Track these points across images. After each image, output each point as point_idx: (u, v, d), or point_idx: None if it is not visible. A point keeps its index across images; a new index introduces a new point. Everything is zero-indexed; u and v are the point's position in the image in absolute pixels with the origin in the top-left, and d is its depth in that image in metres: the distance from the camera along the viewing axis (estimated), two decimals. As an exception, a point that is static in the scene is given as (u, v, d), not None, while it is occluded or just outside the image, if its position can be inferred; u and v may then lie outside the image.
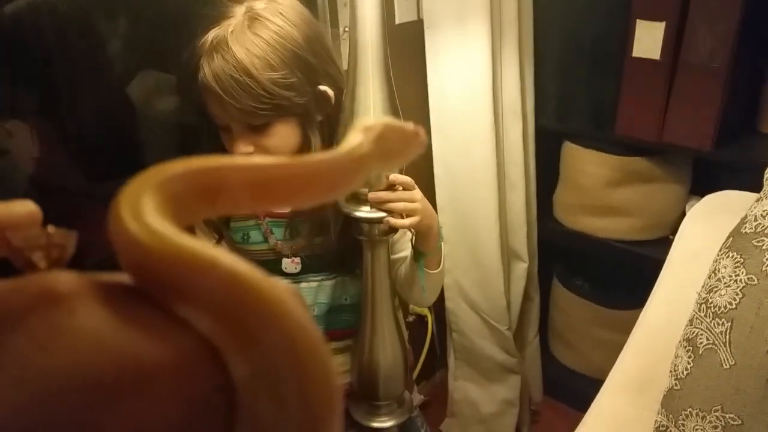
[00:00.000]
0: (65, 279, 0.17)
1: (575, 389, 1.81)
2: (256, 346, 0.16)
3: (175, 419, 0.16)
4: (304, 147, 0.89)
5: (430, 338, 1.74)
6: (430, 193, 1.48)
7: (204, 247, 0.17)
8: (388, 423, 1.03)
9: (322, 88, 0.87)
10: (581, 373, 1.85)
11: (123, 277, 0.18)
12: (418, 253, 0.96)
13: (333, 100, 0.89)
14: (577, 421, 1.03)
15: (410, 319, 1.73)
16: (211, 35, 0.81)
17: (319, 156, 0.26)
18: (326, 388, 0.16)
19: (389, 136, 0.31)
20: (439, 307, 1.68)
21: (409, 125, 0.35)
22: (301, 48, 0.83)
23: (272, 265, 0.95)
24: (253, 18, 0.81)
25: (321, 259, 0.95)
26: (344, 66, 1.30)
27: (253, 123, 0.83)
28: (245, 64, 0.78)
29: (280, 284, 0.17)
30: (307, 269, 0.96)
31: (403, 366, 1.00)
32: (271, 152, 0.84)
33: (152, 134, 1.19)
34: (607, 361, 1.63)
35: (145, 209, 0.18)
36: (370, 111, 0.85)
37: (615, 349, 1.14)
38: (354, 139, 0.29)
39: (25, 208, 0.20)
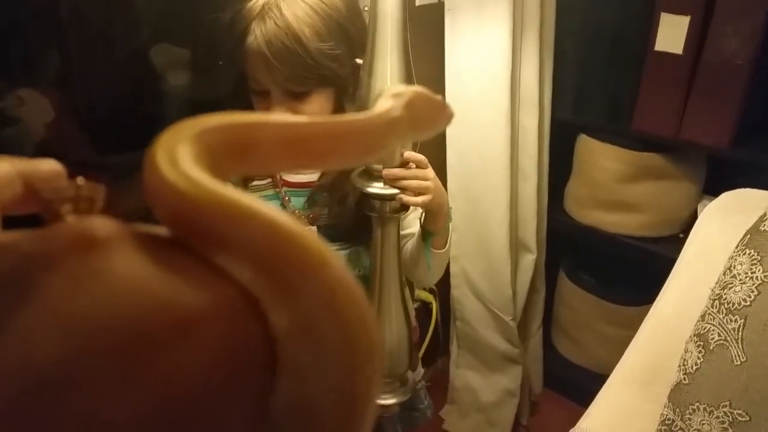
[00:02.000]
0: (103, 224, 0.17)
1: (576, 382, 1.81)
2: (296, 296, 0.16)
3: (215, 368, 0.15)
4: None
5: (434, 325, 1.74)
6: (442, 179, 1.45)
7: (243, 196, 0.17)
8: (389, 401, 1.03)
9: (359, 61, 0.87)
10: (582, 366, 1.85)
11: (160, 229, 0.18)
12: (426, 232, 0.96)
13: None
14: (576, 414, 1.03)
15: (415, 305, 1.73)
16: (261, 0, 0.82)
17: (351, 116, 0.26)
18: (366, 338, 0.16)
19: (419, 104, 0.31)
20: (443, 294, 1.68)
21: (438, 96, 0.35)
22: (345, 19, 0.84)
23: None
24: None
25: (337, 229, 0.96)
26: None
27: (295, 89, 0.83)
28: (296, 31, 0.79)
29: (318, 237, 0.16)
30: (321, 239, 0.96)
31: (407, 345, 1.00)
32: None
33: (165, 108, 1.19)
34: (608, 356, 1.63)
35: (182, 157, 0.18)
36: (387, 86, 0.84)
37: (617, 345, 1.14)
38: (385, 103, 0.29)
39: (49, 165, 0.20)
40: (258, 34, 0.80)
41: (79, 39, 1.01)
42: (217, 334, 0.16)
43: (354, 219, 0.94)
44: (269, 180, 0.95)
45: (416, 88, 0.32)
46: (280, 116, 0.23)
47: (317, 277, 0.16)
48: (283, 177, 0.93)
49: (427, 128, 0.34)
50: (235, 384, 0.16)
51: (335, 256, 0.16)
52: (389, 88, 0.32)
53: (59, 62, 1.01)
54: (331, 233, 0.96)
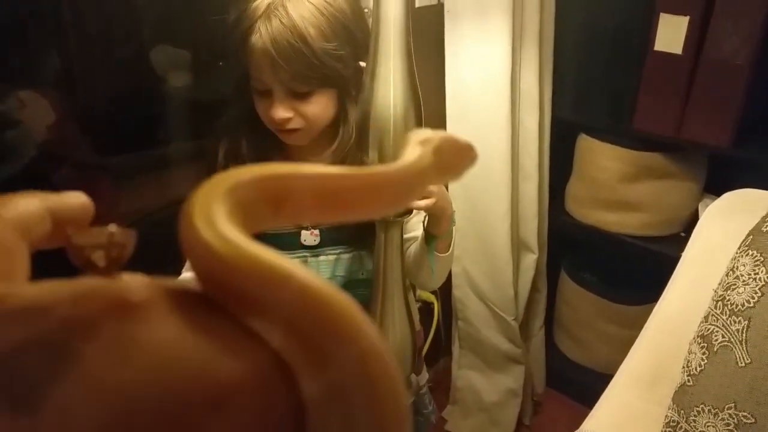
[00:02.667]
0: (138, 286, 0.17)
1: (578, 382, 1.82)
2: (328, 365, 0.16)
3: None
4: (339, 119, 0.91)
5: (436, 325, 1.74)
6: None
7: (279, 258, 0.16)
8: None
9: (363, 63, 0.87)
10: (585, 366, 1.85)
11: (192, 284, 0.18)
12: (429, 236, 0.96)
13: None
14: (578, 413, 1.03)
15: (417, 305, 1.73)
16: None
17: (383, 168, 0.26)
18: (396, 411, 0.16)
19: (446, 150, 0.31)
20: (445, 294, 1.68)
21: (463, 139, 0.35)
22: (350, 21, 0.84)
23: (291, 238, 0.95)
24: None
25: (340, 232, 0.96)
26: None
27: (298, 89, 0.84)
28: (302, 30, 0.79)
29: (351, 302, 0.16)
30: (326, 242, 0.96)
31: (411, 349, 1.00)
32: (309, 119, 0.86)
33: (165, 109, 1.19)
34: (611, 355, 1.63)
35: (217, 216, 0.18)
36: (390, 90, 0.84)
37: (620, 344, 1.15)
38: (415, 151, 0.29)
39: (79, 200, 0.20)
40: (263, 32, 0.80)
41: (80, 40, 1.01)
42: (250, 405, 0.16)
43: (358, 223, 0.94)
44: None
45: (443, 134, 0.32)
46: (312, 168, 0.23)
47: (351, 346, 0.16)
48: None
49: (454, 173, 0.34)
50: None
51: (370, 324, 0.16)
52: (415, 134, 0.32)
53: (60, 63, 1.01)
54: (335, 236, 0.96)
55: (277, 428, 0.16)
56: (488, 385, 1.74)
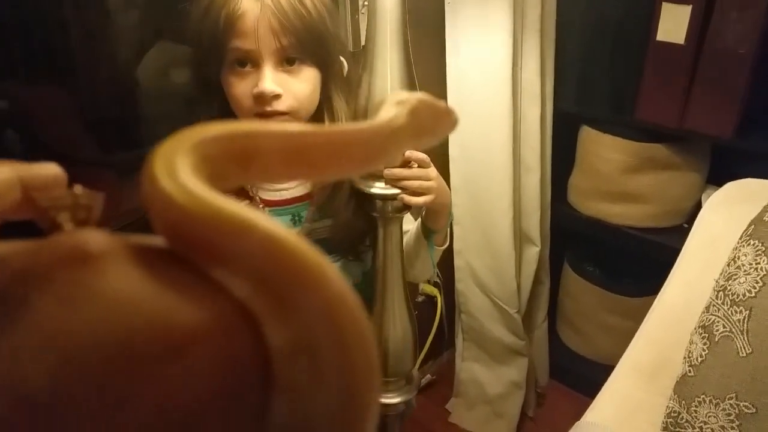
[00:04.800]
0: (96, 238, 0.16)
1: (581, 374, 1.82)
2: (294, 313, 0.15)
3: (210, 387, 0.15)
4: (323, 110, 0.86)
5: (439, 318, 1.75)
6: (444, 173, 1.46)
7: (242, 209, 0.16)
8: (395, 399, 1.04)
9: (342, 58, 0.86)
10: (588, 358, 1.85)
11: (156, 240, 0.17)
12: (427, 230, 0.95)
13: (345, 74, 0.87)
14: (582, 405, 1.03)
15: (420, 299, 1.73)
16: None
17: (354, 126, 0.25)
18: (365, 357, 0.16)
19: (423, 112, 0.30)
20: (448, 287, 1.68)
21: (442, 102, 0.34)
22: (332, 12, 0.82)
23: None
24: None
25: (326, 243, 0.92)
26: (364, 41, 1.29)
27: (292, 54, 0.77)
28: None
29: (316, 251, 0.16)
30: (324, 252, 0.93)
31: (412, 344, 1.01)
32: (298, 97, 0.79)
33: (166, 106, 1.18)
34: (614, 347, 1.63)
35: (180, 169, 0.17)
36: (388, 85, 0.84)
37: (623, 336, 1.14)
38: (388, 111, 0.28)
39: (50, 170, 0.20)
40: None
41: (82, 36, 1.01)
42: (212, 352, 0.15)
43: (345, 231, 0.91)
44: (247, 201, 0.87)
45: (420, 95, 0.31)
46: (280, 125, 0.22)
47: (316, 293, 0.15)
48: (262, 197, 0.88)
49: (431, 136, 0.33)
50: (230, 403, 0.15)
51: (335, 271, 0.16)
52: (392, 94, 0.31)
53: (61, 60, 1.01)
54: (320, 248, 0.93)
55: (240, 377, 0.16)
56: (492, 378, 1.75)
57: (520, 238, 1.63)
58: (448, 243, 1.00)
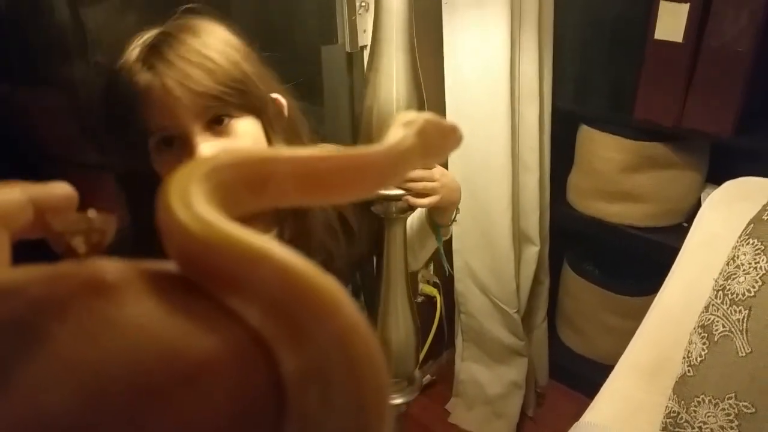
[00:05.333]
0: (112, 267, 0.16)
1: (581, 374, 1.81)
2: (307, 342, 0.16)
3: (225, 415, 0.15)
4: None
5: (439, 319, 1.74)
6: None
7: (255, 237, 0.16)
8: (397, 401, 1.04)
9: (275, 95, 0.77)
10: (588, 357, 1.85)
11: (169, 265, 0.18)
12: (434, 225, 0.95)
13: (285, 113, 0.78)
14: (582, 405, 1.03)
15: (420, 299, 1.72)
16: (145, 36, 0.69)
17: (365, 149, 0.25)
18: (377, 390, 0.16)
19: (430, 131, 0.31)
20: (448, 288, 1.68)
21: (447, 121, 0.35)
22: (245, 52, 0.72)
23: None
24: (185, 27, 0.69)
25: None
26: (362, 42, 1.29)
27: (218, 113, 0.68)
28: (201, 50, 0.66)
29: (332, 280, 0.16)
30: None
31: (414, 345, 1.01)
32: None
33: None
34: (614, 346, 1.63)
35: (194, 197, 0.18)
36: (393, 84, 0.83)
37: (623, 336, 1.14)
38: (397, 133, 0.29)
39: (63, 190, 0.20)
40: (164, 59, 0.65)
41: (82, 39, 1.01)
42: (226, 381, 0.16)
43: (318, 250, 0.83)
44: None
45: (426, 115, 0.32)
46: (293, 150, 0.23)
47: (329, 322, 0.16)
48: None
49: (438, 154, 0.34)
50: (245, 429, 0.16)
51: (349, 300, 0.16)
52: (399, 115, 0.32)
53: (63, 61, 1.01)
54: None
55: (253, 405, 0.16)
56: (491, 378, 1.74)
57: (519, 238, 1.63)
58: (448, 236, 1.00)
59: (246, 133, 0.70)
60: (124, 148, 0.71)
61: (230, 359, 0.16)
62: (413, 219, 0.98)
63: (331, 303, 0.16)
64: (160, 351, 0.15)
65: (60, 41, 0.98)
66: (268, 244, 0.16)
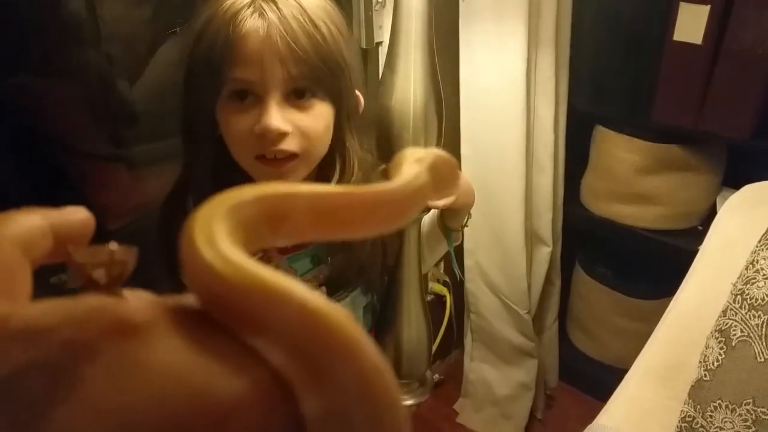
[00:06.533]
0: (139, 307, 0.17)
1: (591, 376, 1.80)
2: (328, 385, 0.16)
3: None
4: (336, 152, 0.74)
5: (448, 318, 1.74)
6: (456, 171, 1.46)
7: (278, 277, 0.16)
8: (408, 402, 1.03)
9: (358, 92, 0.75)
10: (598, 360, 1.84)
11: (190, 299, 0.18)
12: (445, 228, 0.94)
13: (360, 111, 0.76)
14: (591, 408, 1.02)
15: (429, 298, 1.72)
16: None
17: (381, 186, 0.26)
18: (395, 428, 0.16)
19: (440, 167, 0.32)
20: (457, 287, 1.67)
21: (450, 155, 0.36)
22: (349, 39, 0.71)
23: None
24: None
25: (344, 275, 0.83)
26: (378, 38, 1.28)
27: (302, 87, 0.66)
28: (312, 15, 0.64)
29: (354, 321, 0.16)
30: (332, 292, 0.83)
31: (427, 346, 1.00)
32: (309, 136, 0.67)
33: (178, 101, 1.18)
34: (625, 349, 1.62)
35: (218, 235, 0.18)
36: (410, 84, 0.83)
37: (634, 339, 1.13)
38: (411, 169, 0.30)
39: (80, 215, 0.20)
40: (267, 15, 0.63)
41: (97, 31, 1.01)
42: (251, 422, 0.16)
43: (358, 265, 0.82)
44: (261, 253, 0.68)
45: (437, 152, 0.33)
46: (311, 187, 0.23)
47: (350, 365, 0.16)
48: (277, 245, 0.81)
49: (448, 188, 0.36)
50: None
51: (370, 343, 0.16)
52: (410, 152, 0.33)
53: (76, 52, 1.01)
54: (339, 282, 0.84)
55: None
56: (500, 379, 1.74)
57: (531, 238, 1.62)
58: (459, 240, 0.99)
59: (321, 116, 0.68)
60: (198, 91, 0.67)
61: (256, 400, 0.16)
62: (424, 223, 0.98)
63: (352, 346, 0.16)
64: (189, 394, 0.15)
65: (75, 31, 0.98)
66: (291, 284, 0.16)
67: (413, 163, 0.31)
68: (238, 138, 0.66)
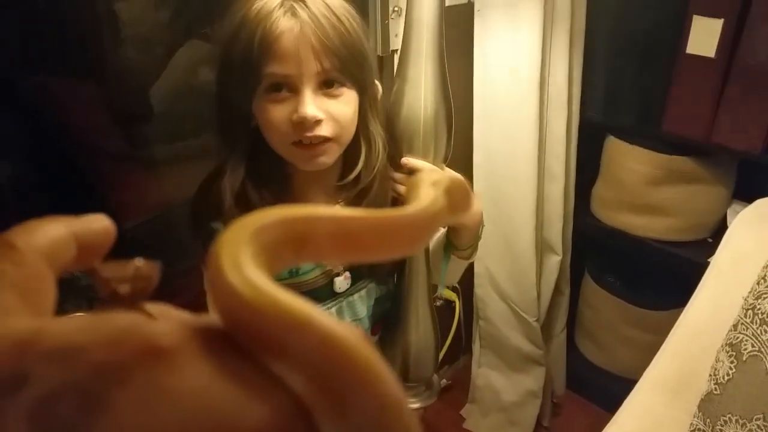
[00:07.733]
0: (166, 330, 0.17)
1: (599, 385, 1.81)
2: (348, 413, 0.16)
3: None
4: (360, 135, 0.81)
5: (457, 323, 1.74)
6: (467, 178, 1.46)
7: (302, 303, 0.17)
8: (414, 405, 1.04)
9: (376, 81, 0.82)
10: (606, 369, 1.84)
11: (213, 319, 0.18)
12: (449, 243, 0.94)
13: (379, 97, 0.83)
14: (598, 417, 1.03)
15: (438, 303, 1.73)
16: None
17: (400, 211, 0.26)
18: None
19: (455, 191, 0.33)
20: (467, 293, 1.68)
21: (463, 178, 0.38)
22: (365, 32, 0.77)
23: (324, 290, 0.87)
24: None
25: (359, 269, 0.89)
26: (393, 46, 1.30)
27: (333, 77, 0.73)
28: (337, 12, 0.71)
29: (372, 348, 0.17)
30: (355, 280, 0.89)
31: (434, 349, 1.01)
32: (341, 121, 0.74)
33: (195, 103, 1.20)
34: (633, 359, 1.62)
35: (244, 260, 0.18)
36: (421, 93, 0.84)
37: (642, 349, 1.14)
38: (428, 194, 0.30)
39: (101, 223, 0.20)
40: (299, 15, 0.69)
41: (114, 32, 1.02)
42: None
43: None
44: None
45: (451, 175, 0.34)
46: (333, 210, 0.23)
47: (370, 396, 0.16)
48: None
49: (462, 212, 0.36)
50: None
51: (391, 374, 0.16)
52: (426, 174, 0.34)
53: (96, 53, 1.02)
54: (362, 270, 0.90)
55: None
56: (508, 385, 1.74)
57: (541, 246, 1.63)
58: (472, 259, 0.99)
59: (349, 103, 0.75)
60: (235, 87, 0.74)
61: (277, 428, 0.16)
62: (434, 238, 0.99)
63: (373, 376, 0.16)
64: (214, 421, 0.15)
65: (94, 32, 1.00)
66: (313, 311, 0.16)
67: (430, 186, 0.31)
68: (277, 127, 0.73)
